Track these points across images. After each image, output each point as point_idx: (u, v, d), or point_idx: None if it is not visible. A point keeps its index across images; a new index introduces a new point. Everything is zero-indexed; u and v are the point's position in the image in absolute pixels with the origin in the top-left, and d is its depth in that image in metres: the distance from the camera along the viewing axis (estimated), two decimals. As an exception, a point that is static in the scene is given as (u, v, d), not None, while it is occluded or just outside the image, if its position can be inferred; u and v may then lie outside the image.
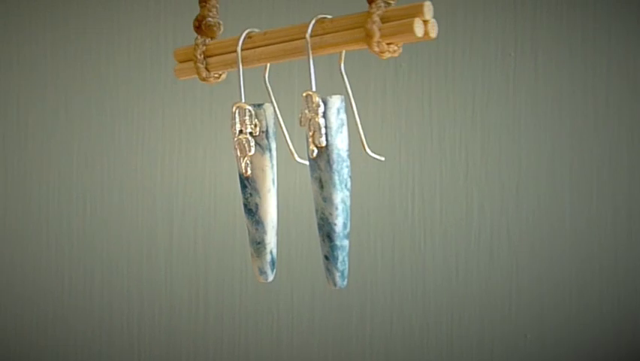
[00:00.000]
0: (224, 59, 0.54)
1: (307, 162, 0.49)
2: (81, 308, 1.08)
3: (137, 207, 1.07)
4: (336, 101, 0.46)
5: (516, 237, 0.98)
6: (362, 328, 1.02)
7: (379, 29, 0.42)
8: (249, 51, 0.52)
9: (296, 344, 1.03)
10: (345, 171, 0.47)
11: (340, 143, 0.46)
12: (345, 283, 0.48)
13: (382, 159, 0.51)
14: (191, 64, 0.56)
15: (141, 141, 1.07)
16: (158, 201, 1.06)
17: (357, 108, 0.49)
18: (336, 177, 0.46)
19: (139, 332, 1.07)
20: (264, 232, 0.54)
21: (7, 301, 1.10)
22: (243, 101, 0.52)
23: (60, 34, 1.08)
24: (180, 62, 0.58)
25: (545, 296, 0.97)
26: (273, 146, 0.53)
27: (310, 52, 0.47)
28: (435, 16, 0.41)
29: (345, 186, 0.47)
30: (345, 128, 0.47)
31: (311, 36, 0.47)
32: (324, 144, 0.46)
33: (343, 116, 0.47)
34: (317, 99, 0.46)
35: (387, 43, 0.43)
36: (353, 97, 0.48)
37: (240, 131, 0.52)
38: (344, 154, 0.47)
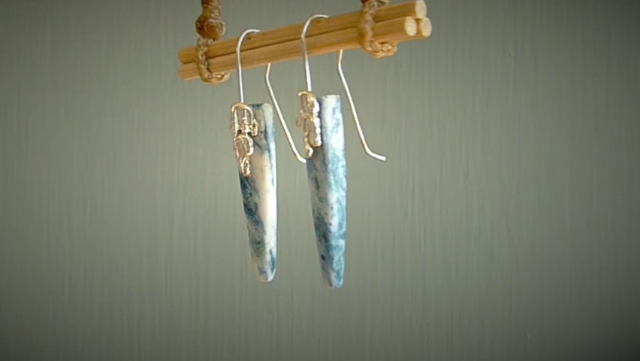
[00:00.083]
0: (225, 60, 0.54)
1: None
2: (81, 308, 1.08)
3: (138, 207, 1.07)
4: (331, 101, 0.46)
5: (516, 237, 0.98)
6: (362, 328, 1.02)
7: (372, 28, 0.42)
8: (248, 52, 0.52)
9: (296, 344, 1.03)
10: (341, 171, 0.47)
11: (336, 143, 0.46)
12: (341, 283, 0.48)
13: (383, 158, 0.51)
14: (195, 65, 0.57)
15: (141, 141, 1.07)
16: (158, 201, 1.06)
17: (357, 108, 0.49)
18: (331, 177, 0.46)
19: (139, 332, 1.07)
20: (264, 232, 0.54)
21: (7, 301, 1.10)
22: (242, 101, 0.53)
23: (60, 34, 1.08)
24: (184, 63, 0.58)
25: (545, 296, 0.97)
26: (272, 146, 0.53)
27: (305, 52, 0.47)
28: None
29: (341, 186, 0.47)
30: (340, 128, 0.47)
31: (307, 36, 0.47)
32: (319, 143, 0.46)
33: (339, 115, 0.47)
34: (312, 99, 0.46)
35: (381, 43, 0.43)
36: (352, 97, 0.48)
37: (239, 132, 0.53)
38: (339, 154, 0.47)
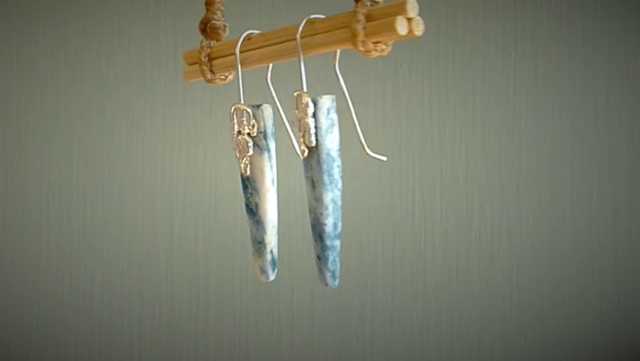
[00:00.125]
0: (227, 61, 0.54)
1: None
2: (81, 308, 1.08)
3: (138, 207, 1.07)
4: (326, 102, 0.46)
5: (516, 237, 0.98)
6: (362, 328, 1.02)
7: (363, 28, 0.42)
8: (248, 53, 0.52)
9: (296, 344, 1.03)
10: (336, 171, 0.47)
11: (330, 143, 0.46)
12: (336, 283, 0.48)
13: (384, 159, 0.50)
14: (198, 66, 0.57)
15: (141, 141, 1.07)
16: (158, 201, 1.06)
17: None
18: (326, 177, 0.46)
19: (139, 332, 1.07)
20: (264, 232, 0.54)
21: (7, 301, 1.10)
22: (243, 102, 0.53)
23: (60, 34, 1.08)
24: (189, 64, 0.58)
25: (545, 296, 0.97)
26: (272, 146, 0.53)
27: (300, 53, 0.47)
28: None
29: (336, 186, 0.47)
30: (335, 129, 0.46)
31: (302, 37, 0.47)
32: (313, 144, 0.46)
33: (334, 116, 0.46)
34: (306, 99, 0.46)
35: (375, 43, 0.42)
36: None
37: (239, 132, 0.53)
38: (334, 154, 0.46)
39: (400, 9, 0.40)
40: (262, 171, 0.53)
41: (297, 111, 0.46)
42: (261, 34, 0.52)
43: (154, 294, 1.07)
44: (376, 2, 0.42)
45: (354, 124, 0.49)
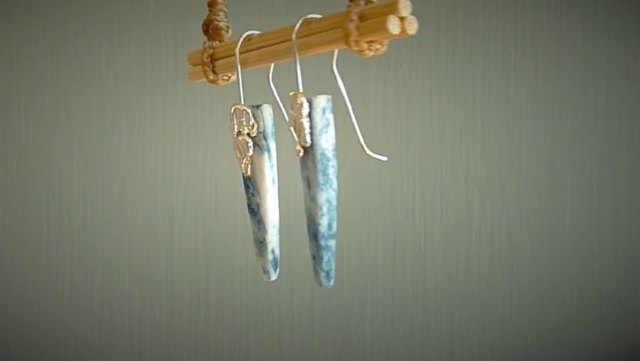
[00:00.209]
0: (229, 62, 0.55)
1: None
2: (81, 308, 1.08)
3: (138, 207, 1.07)
4: (321, 102, 0.46)
5: (516, 237, 0.98)
6: (362, 328, 1.02)
7: (357, 28, 0.42)
8: (247, 54, 0.52)
9: (296, 344, 1.03)
10: (331, 171, 0.46)
11: (325, 143, 0.46)
12: (331, 283, 0.47)
13: (385, 159, 0.50)
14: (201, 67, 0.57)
15: (141, 141, 1.07)
16: (158, 201, 1.06)
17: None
18: (320, 177, 0.46)
19: (139, 332, 1.07)
20: (265, 232, 0.54)
21: (7, 301, 1.10)
22: (243, 102, 0.53)
23: (60, 34, 1.08)
24: (193, 65, 0.58)
25: (545, 296, 0.97)
26: (272, 146, 0.53)
27: (296, 53, 0.47)
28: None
29: (331, 186, 0.46)
30: (331, 129, 0.46)
31: (299, 37, 0.47)
32: (308, 143, 0.46)
33: (329, 116, 0.46)
34: (301, 99, 0.46)
35: (369, 42, 0.42)
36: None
37: (239, 133, 0.53)
38: (330, 154, 0.46)
39: (393, 8, 0.40)
40: (262, 171, 0.53)
41: (292, 111, 0.46)
42: (260, 34, 0.52)
43: (154, 294, 1.07)
44: (370, 2, 0.42)
45: (353, 124, 0.49)
